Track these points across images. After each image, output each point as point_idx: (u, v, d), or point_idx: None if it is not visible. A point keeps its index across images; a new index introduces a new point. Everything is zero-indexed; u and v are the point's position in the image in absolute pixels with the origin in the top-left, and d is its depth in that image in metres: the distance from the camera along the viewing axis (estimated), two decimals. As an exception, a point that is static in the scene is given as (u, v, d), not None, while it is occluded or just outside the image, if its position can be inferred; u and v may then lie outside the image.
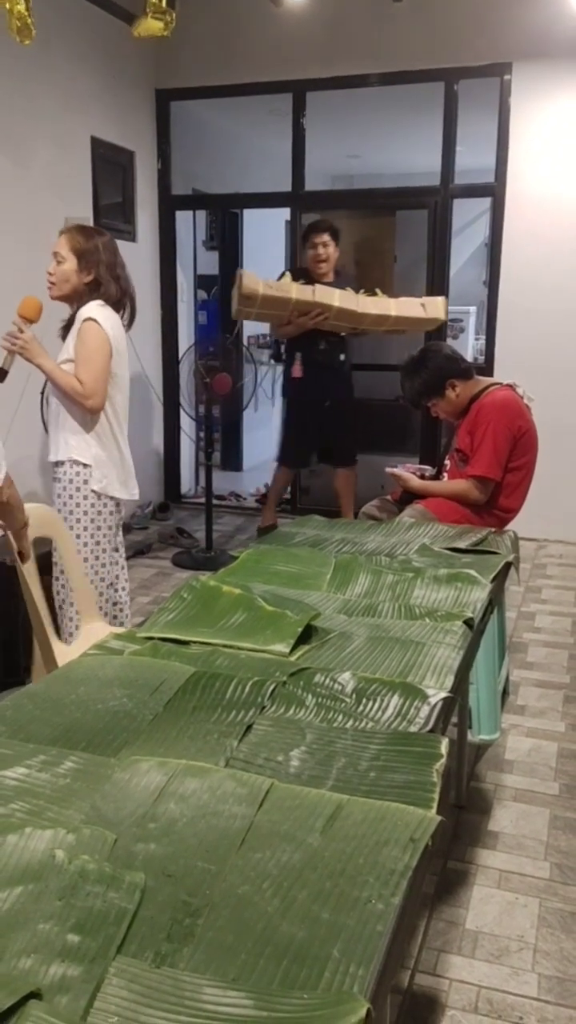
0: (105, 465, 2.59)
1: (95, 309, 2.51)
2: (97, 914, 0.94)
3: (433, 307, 4.11)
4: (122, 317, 2.63)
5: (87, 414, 2.54)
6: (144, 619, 2.23)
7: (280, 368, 6.90)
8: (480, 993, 1.69)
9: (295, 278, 4.24)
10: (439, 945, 1.82)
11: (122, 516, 2.72)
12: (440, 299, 4.19)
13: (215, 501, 4.52)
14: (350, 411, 4.75)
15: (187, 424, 5.69)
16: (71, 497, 2.57)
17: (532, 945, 1.81)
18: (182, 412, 5.34)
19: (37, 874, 1.01)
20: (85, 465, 2.56)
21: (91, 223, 4.59)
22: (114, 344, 2.54)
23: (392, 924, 0.93)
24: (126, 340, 2.66)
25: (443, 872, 2.04)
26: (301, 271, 4.51)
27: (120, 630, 1.79)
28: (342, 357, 4.60)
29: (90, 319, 2.48)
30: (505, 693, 2.90)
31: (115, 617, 2.71)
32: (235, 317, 4.24)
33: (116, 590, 2.72)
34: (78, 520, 2.58)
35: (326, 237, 4.47)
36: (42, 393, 3.53)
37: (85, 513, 2.58)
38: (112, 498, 2.63)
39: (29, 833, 1.07)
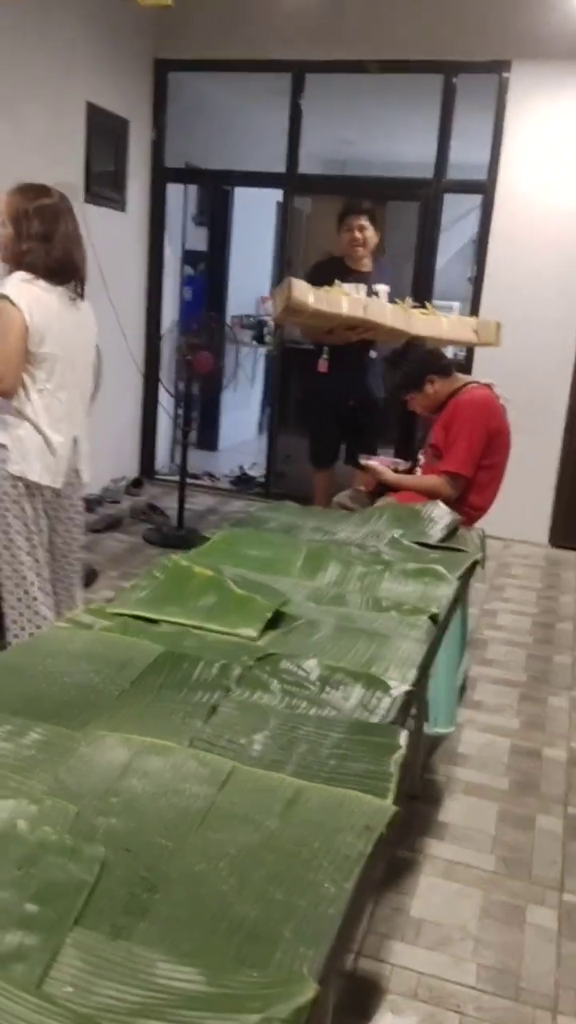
0: (23, 446, 2.37)
1: (13, 284, 2.29)
2: (56, 885, 0.96)
3: (486, 331, 3.79)
4: (71, 289, 2.42)
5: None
6: (113, 593, 2.24)
7: (262, 350, 6.93)
8: (420, 980, 1.74)
9: (328, 270, 3.90)
10: (384, 931, 1.86)
11: (43, 507, 2.48)
12: (493, 323, 3.83)
13: (189, 480, 4.51)
14: (377, 413, 4.41)
15: (166, 400, 5.66)
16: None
17: (474, 935, 1.87)
18: (161, 388, 5.31)
19: (-3, 843, 1.02)
20: (2, 446, 2.37)
21: (81, 189, 4.54)
22: (35, 321, 2.29)
23: (344, 908, 0.96)
24: (68, 315, 2.40)
25: (392, 860, 2.08)
26: (335, 262, 4.17)
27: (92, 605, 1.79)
28: (373, 354, 4.22)
29: (3, 296, 2.26)
30: (463, 688, 2.96)
31: (38, 615, 2.50)
32: (276, 322, 4.14)
33: (32, 596, 2.48)
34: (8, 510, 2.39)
35: (364, 220, 4.11)
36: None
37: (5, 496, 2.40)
38: (28, 484, 2.40)
39: (-9, 802, 1.08)
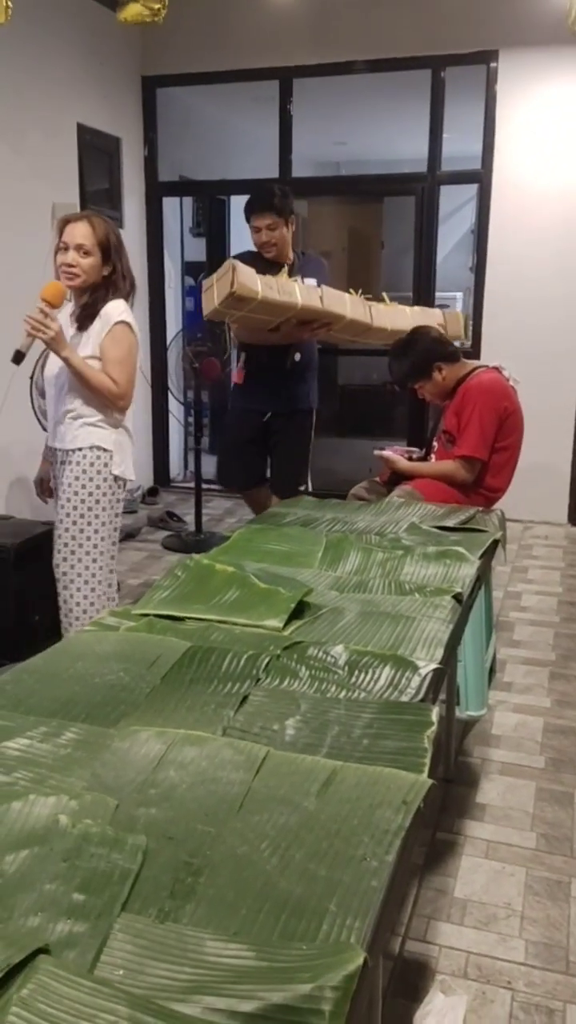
0: (123, 450, 2.61)
1: (124, 310, 2.52)
2: (101, 874, 0.97)
3: (454, 324, 3.66)
4: (130, 305, 2.66)
5: (113, 409, 2.56)
6: (136, 600, 2.26)
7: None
8: (469, 959, 1.74)
9: (247, 264, 3.15)
10: (428, 913, 1.86)
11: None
12: (460, 315, 3.80)
13: (204, 485, 4.54)
14: (299, 429, 3.67)
15: (176, 409, 5.69)
16: (91, 480, 2.55)
17: (519, 912, 1.86)
18: (171, 397, 5.34)
19: (42, 838, 1.03)
20: (106, 450, 2.56)
21: (78, 209, 4.59)
22: (139, 341, 2.61)
23: (387, 880, 0.97)
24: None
25: (432, 843, 2.08)
26: (254, 255, 3.49)
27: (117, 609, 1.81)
28: (297, 357, 3.55)
29: (124, 322, 2.50)
30: (492, 671, 2.95)
31: (113, 600, 2.75)
32: (210, 318, 3.24)
33: (113, 588, 2.74)
34: (97, 502, 2.57)
35: (270, 219, 3.40)
36: (31, 378, 3.53)
37: (104, 495, 2.57)
38: (126, 482, 2.64)
39: (33, 800, 1.10)
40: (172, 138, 5.54)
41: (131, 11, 3.79)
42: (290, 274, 3.29)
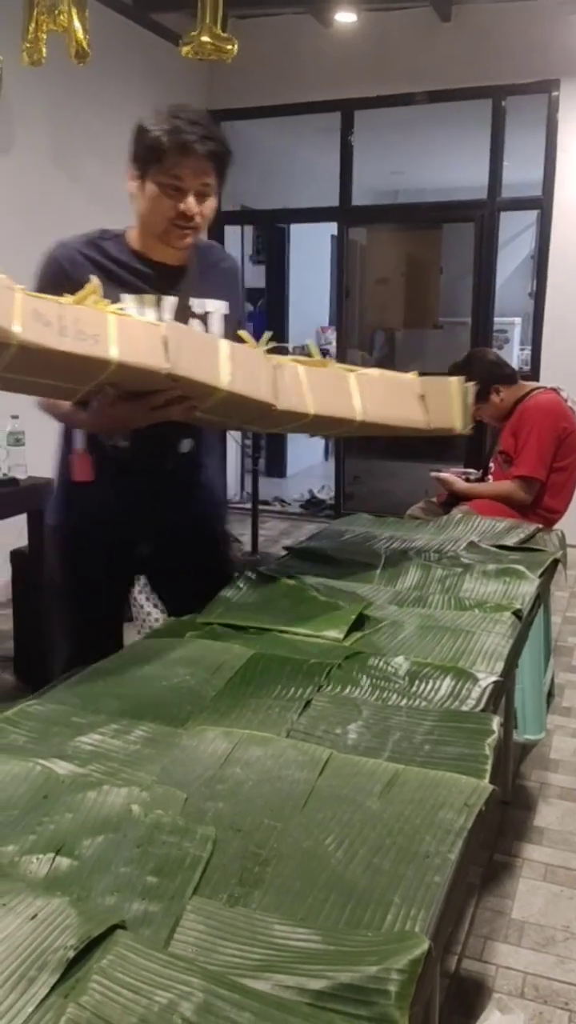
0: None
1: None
2: (173, 860, 1.01)
3: (438, 398, 1.91)
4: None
5: None
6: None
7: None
8: (526, 979, 1.73)
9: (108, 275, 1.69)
10: (486, 933, 1.86)
11: None
12: (460, 386, 1.92)
13: (260, 507, 4.60)
14: (223, 557, 2.15)
15: (233, 431, 5.79)
16: None
17: (578, 935, 1.84)
18: (229, 421, 5.44)
19: (116, 825, 1.08)
20: None
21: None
22: None
23: (449, 876, 0.99)
24: None
25: (489, 864, 2.07)
26: (104, 243, 1.81)
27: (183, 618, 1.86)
28: (186, 446, 1.88)
29: None
30: (551, 695, 2.92)
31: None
32: None
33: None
34: None
35: (208, 176, 1.74)
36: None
37: None
38: None
39: (107, 790, 1.14)
40: (234, 168, 5.66)
41: (198, 47, 3.92)
42: (178, 291, 1.77)
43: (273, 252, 6.81)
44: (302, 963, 0.85)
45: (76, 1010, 0.77)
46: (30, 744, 1.28)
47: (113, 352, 1.36)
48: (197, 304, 1.80)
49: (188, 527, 1.95)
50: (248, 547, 4.65)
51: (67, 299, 1.35)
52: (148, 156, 1.71)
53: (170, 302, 1.76)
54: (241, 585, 1.94)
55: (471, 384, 1.93)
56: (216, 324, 1.82)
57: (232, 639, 1.69)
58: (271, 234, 6.76)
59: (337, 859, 1.03)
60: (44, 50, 3.45)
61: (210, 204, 1.76)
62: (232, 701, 1.43)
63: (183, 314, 1.76)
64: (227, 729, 1.31)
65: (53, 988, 0.80)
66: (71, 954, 0.83)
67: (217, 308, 1.83)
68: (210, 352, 1.49)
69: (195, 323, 1.77)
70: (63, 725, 1.33)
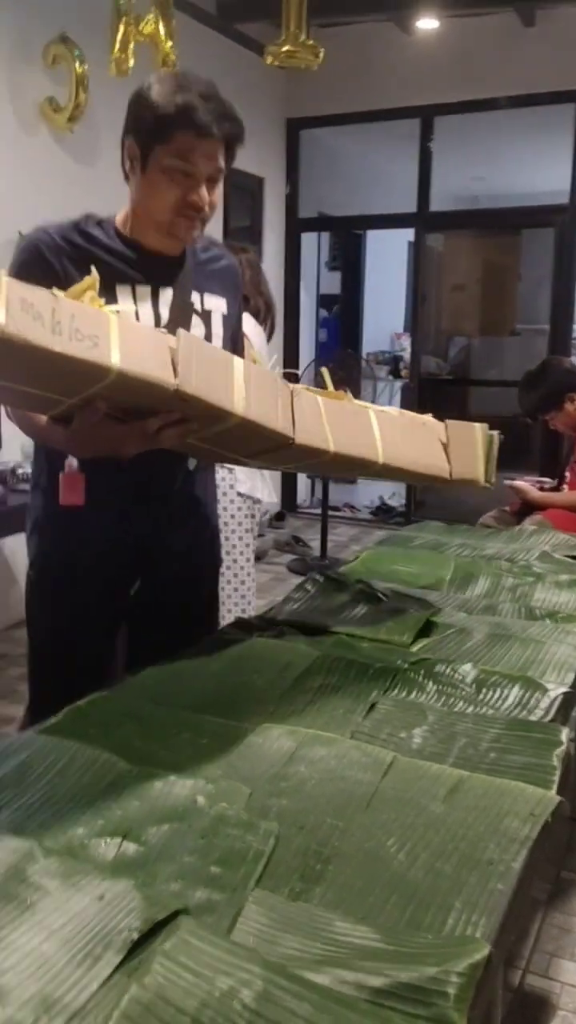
0: (251, 470, 2.61)
1: (245, 323, 2.44)
2: (236, 852, 1.03)
3: (462, 443, 1.69)
4: (265, 329, 2.73)
5: None
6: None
7: (397, 384, 6.99)
8: (592, 999, 1.68)
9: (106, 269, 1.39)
10: (551, 950, 1.82)
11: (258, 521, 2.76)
12: (483, 433, 1.72)
13: (330, 512, 4.61)
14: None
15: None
16: (217, 501, 2.56)
17: None
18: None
19: (181, 815, 1.10)
20: (230, 470, 2.59)
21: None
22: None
23: (513, 884, 0.98)
24: (266, 350, 2.75)
25: (557, 880, 2.03)
26: (86, 229, 1.55)
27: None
28: (193, 463, 1.66)
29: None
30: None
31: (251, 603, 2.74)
32: None
33: (250, 603, 2.72)
34: (226, 524, 2.56)
35: (218, 159, 1.46)
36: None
37: (232, 517, 2.63)
38: (256, 500, 2.68)
39: (173, 781, 1.17)
40: (313, 176, 5.74)
41: (284, 56, 3.96)
42: (175, 284, 1.57)
43: (348, 258, 6.83)
44: (362, 960, 0.85)
45: (139, 990, 0.79)
46: (100, 734, 1.31)
47: (115, 359, 1.11)
48: (197, 299, 1.58)
49: (182, 558, 1.70)
50: (316, 552, 4.66)
51: (60, 293, 1.12)
52: (154, 134, 1.43)
53: (168, 296, 1.54)
54: (309, 588, 1.96)
55: (496, 433, 1.72)
56: (218, 324, 1.61)
57: (298, 641, 1.70)
58: (347, 240, 6.78)
59: (399, 861, 1.03)
60: (132, 60, 3.54)
61: (220, 190, 1.52)
62: (297, 700, 1.44)
63: (183, 310, 1.54)
64: (292, 728, 1.32)
65: (117, 967, 0.82)
66: (135, 935, 0.85)
67: (218, 306, 1.62)
68: (223, 370, 1.25)
69: (196, 321, 1.57)
70: (132, 717, 1.36)
